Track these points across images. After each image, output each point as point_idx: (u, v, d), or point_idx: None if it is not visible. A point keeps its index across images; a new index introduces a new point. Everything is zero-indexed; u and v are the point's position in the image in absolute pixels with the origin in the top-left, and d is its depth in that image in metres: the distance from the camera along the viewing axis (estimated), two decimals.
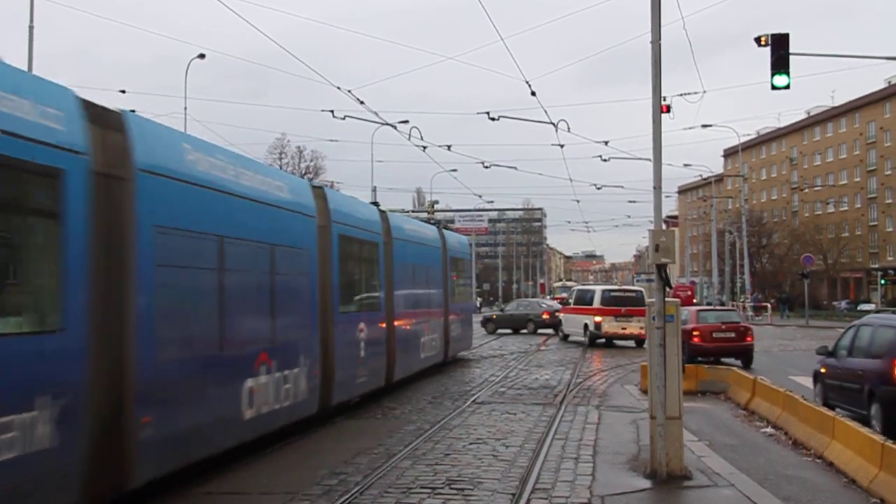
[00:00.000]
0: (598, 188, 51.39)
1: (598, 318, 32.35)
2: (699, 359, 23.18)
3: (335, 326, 14.57)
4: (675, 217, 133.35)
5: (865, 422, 12.49)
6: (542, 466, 10.80)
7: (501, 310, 47.01)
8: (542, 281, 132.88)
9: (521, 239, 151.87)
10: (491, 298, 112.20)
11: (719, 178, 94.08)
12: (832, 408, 13.99)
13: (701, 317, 25.85)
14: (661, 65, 11.05)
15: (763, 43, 21.85)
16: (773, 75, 22.06)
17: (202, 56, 41.43)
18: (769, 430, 13.81)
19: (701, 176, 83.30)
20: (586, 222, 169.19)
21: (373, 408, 16.41)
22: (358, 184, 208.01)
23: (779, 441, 12.93)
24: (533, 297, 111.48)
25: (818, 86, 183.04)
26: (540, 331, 42.06)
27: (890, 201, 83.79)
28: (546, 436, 13.02)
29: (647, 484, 10.09)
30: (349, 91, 27.27)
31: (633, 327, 31.99)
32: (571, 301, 37.24)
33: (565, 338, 36.77)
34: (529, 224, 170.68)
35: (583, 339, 33.73)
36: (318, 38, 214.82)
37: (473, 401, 17.27)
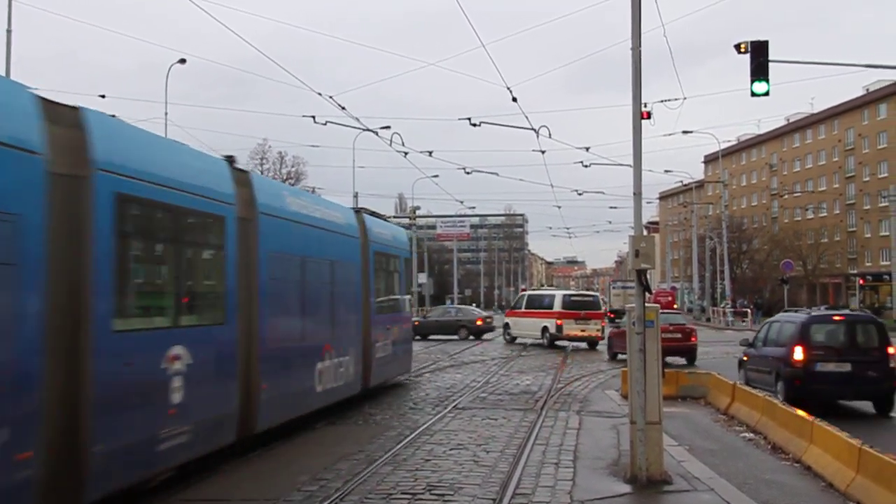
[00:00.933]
0: (580, 194, 51.58)
1: (559, 321, 34.44)
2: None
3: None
4: (656, 223, 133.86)
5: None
6: (522, 472, 10.81)
7: (425, 316, 45.24)
8: (523, 286, 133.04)
9: (503, 245, 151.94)
10: (474, 304, 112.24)
11: (700, 184, 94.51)
12: (752, 387, 17.14)
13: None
14: (641, 71, 11.11)
15: (742, 50, 21.99)
16: (752, 82, 22.19)
17: (183, 61, 41.37)
18: (748, 434, 13.88)
19: (682, 182, 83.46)
20: (568, 228, 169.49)
21: (354, 414, 16.39)
22: (340, 189, 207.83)
23: (758, 445, 13.00)
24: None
25: (797, 93, 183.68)
26: (472, 337, 41.89)
27: (868, 207, 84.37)
28: (527, 441, 13.03)
29: (627, 489, 10.13)
30: (330, 97, 27.25)
31: (591, 329, 34.79)
32: (521, 305, 38.63)
33: (512, 340, 38.23)
34: (511, 230, 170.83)
35: (539, 340, 35.75)
36: (302, 45, 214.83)
37: (455, 406, 17.28)
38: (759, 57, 22.07)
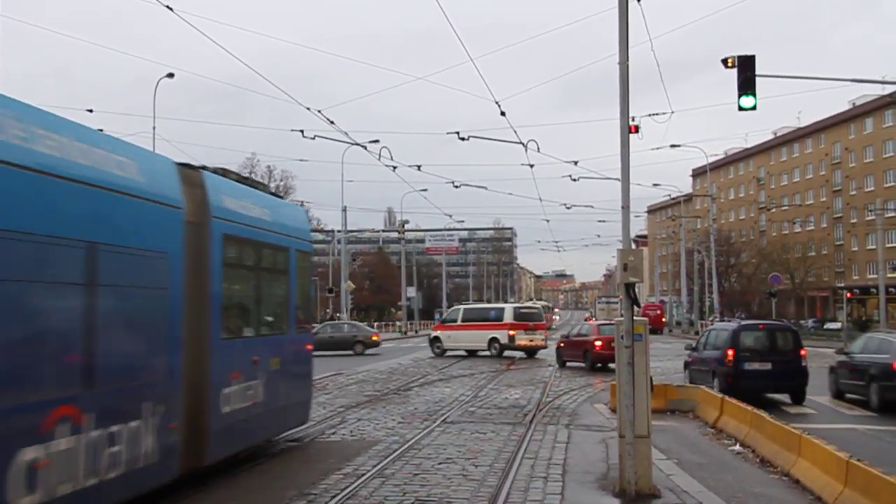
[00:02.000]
0: (568, 208, 51.69)
1: (511, 332, 37.07)
2: (598, 364, 30.25)
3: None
4: (645, 237, 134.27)
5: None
6: (511, 486, 10.78)
7: (315, 333, 44.99)
8: (512, 300, 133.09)
9: (492, 258, 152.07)
10: None
11: (688, 198, 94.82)
12: (696, 384, 20.65)
13: (601, 329, 31.40)
14: (629, 85, 11.15)
15: (730, 65, 22.09)
16: (739, 96, 22.28)
17: (171, 75, 41.39)
18: (737, 447, 13.88)
19: (670, 195, 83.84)
20: (556, 242, 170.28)
21: (341, 428, 16.34)
22: (329, 203, 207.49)
23: (746, 459, 13.00)
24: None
25: (784, 107, 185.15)
26: (368, 352, 42.12)
27: (855, 221, 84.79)
28: (515, 455, 13.00)
29: (615, 503, 10.11)
30: (319, 111, 27.27)
31: (537, 339, 38.44)
32: (457, 319, 39.78)
33: (443, 353, 39.31)
34: (500, 244, 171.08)
35: (484, 351, 37.91)
36: (292, 61, 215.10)
37: (443, 420, 17.24)
38: (746, 71, 22.18)
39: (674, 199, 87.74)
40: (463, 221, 70.12)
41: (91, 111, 39.99)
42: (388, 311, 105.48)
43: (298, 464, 12.73)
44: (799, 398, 20.55)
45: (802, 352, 20.92)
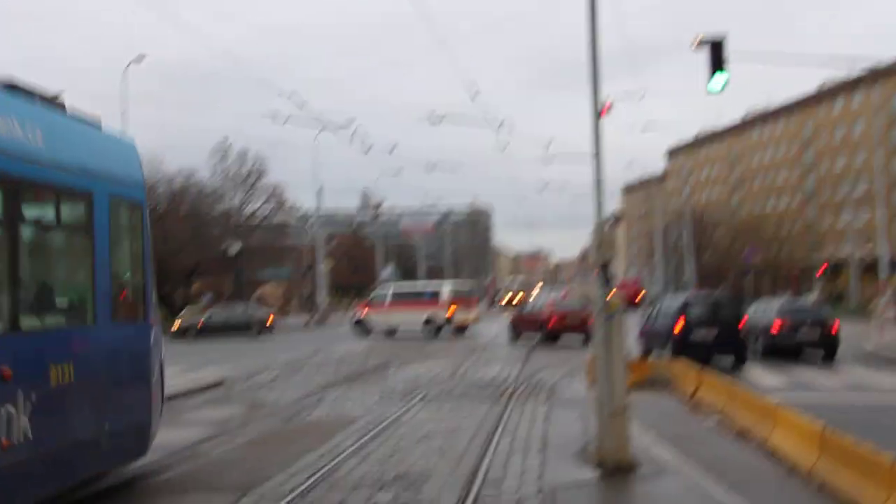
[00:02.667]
0: (543, 187, 51.78)
1: (449, 310, 38.38)
2: (553, 337, 32.66)
3: None
4: (621, 215, 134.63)
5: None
6: (491, 460, 10.81)
7: (210, 315, 43.69)
8: (487, 280, 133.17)
9: (468, 238, 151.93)
10: None
11: (663, 177, 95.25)
12: (650, 351, 24.46)
13: (557, 305, 34.91)
14: (599, 66, 11.14)
15: (699, 44, 22.10)
16: (710, 77, 22.33)
17: (140, 59, 40.94)
18: (714, 419, 13.97)
19: (644, 175, 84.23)
20: (532, 221, 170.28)
21: (319, 405, 16.34)
22: (304, 185, 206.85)
23: (723, 430, 13.09)
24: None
25: (756, 87, 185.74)
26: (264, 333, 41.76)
27: (826, 199, 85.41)
28: (495, 431, 13.03)
29: (595, 475, 10.16)
30: (290, 95, 27.16)
31: (472, 315, 40.62)
32: (386, 299, 40.31)
33: (368, 332, 39.59)
34: (476, 222, 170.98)
35: (418, 329, 38.49)
36: (265, 45, 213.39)
37: (422, 397, 17.26)
38: (716, 53, 22.22)
39: (648, 178, 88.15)
40: (439, 202, 70.01)
41: (56, 97, 39.61)
42: (367, 291, 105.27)
43: (277, 442, 12.71)
44: (741, 360, 23.04)
45: (743, 320, 24.00)
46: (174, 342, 37.29)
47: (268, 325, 42.67)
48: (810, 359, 24.09)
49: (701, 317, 23.60)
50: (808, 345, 24.67)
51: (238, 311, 43.38)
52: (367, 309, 40.90)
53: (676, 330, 23.14)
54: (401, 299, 39.78)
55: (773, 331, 24.62)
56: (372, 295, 43.25)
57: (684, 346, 22.36)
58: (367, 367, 24.33)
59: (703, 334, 23.04)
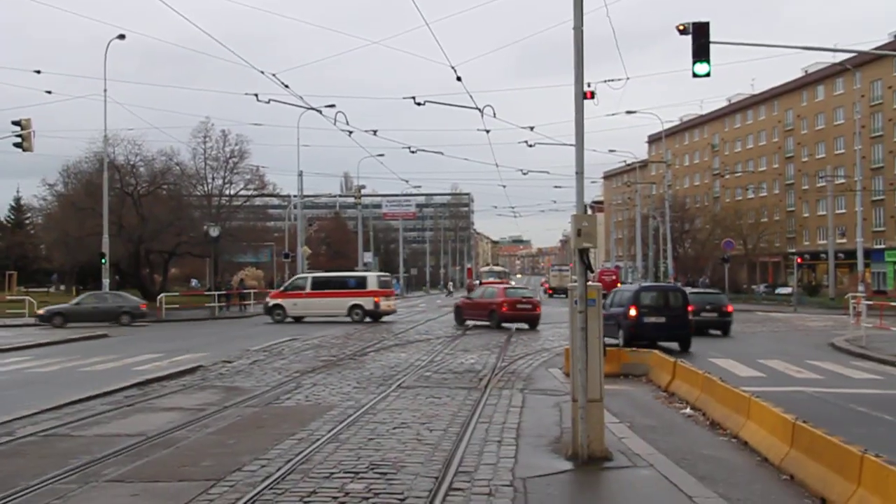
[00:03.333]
0: (525, 173, 52.05)
1: (377, 299, 39.86)
2: (504, 323, 34.36)
3: None
4: (601, 202, 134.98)
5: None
6: (465, 450, 10.85)
7: (78, 303, 41.60)
8: (469, 266, 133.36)
9: (449, 224, 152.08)
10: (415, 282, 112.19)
11: (644, 164, 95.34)
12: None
13: (508, 293, 36.68)
14: (583, 50, 11.13)
15: (683, 30, 22.17)
16: (694, 63, 22.43)
17: (122, 37, 40.67)
18: (688, 411, 14.07)
19: (625, 162, 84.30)
20: (513, 207, 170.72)
21: (296, 392, 16.33)
22: (285, 168, 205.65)
23: (697, 422, 13.19)
24: (460, 282, 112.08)
25: (739, 75, 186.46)
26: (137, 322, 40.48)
27: (806, 187, 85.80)
28: (470, 419, 13.08)
29: (568, 465, 10.21)
30: (273, 75, 27.05)
31: (392, 304, 42.15)
32: (306, 287, 41.12)
33: (282, 319, 40.15)
34: (457, 209, 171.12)
35: (346, 318, 39.66)
36: (248, 24, 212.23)
37: (399, 385, 17.28)
38: (700, 38, 22.31)
39: (629, 165, 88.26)
40: (420, 187, 70.09)
41: (39, 72, 39.29)
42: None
43: (253, 428, 12.70)
44: (685, 345, 25.06)
45: (689, 308, 26.08)
46: (41, 328, 36.93)
47: (142, 308, 40.94)
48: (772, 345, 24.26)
49: (652, 305, 25.79)
50: (707, 325, 30.00)
51: (108, 299, 42.00)
52: (282, 295, 41.55)
53: (630, 317, 25.04)
54: (323, 287, 41.15)
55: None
56: (289, 282, 43.65)
57: (637, 332, 24.86)
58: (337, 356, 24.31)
59: (654, 321, 25.21)
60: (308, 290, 40.85)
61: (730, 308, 31.80)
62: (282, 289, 43.26)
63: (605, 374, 11.10)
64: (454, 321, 37.77)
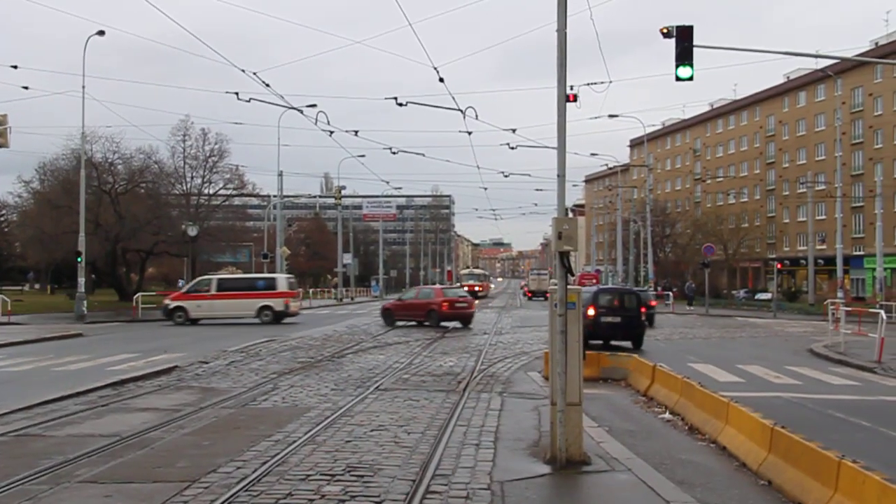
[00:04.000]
0: (506, 176, 52.14)
1: (287, 300, 40.41)
2: (443, 322, 36.62)
3: None
4: (582, 206, 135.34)
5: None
6: (443, 453, 10.84)
7: None
8: (449, 268, 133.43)
9: (429, 226, 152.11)
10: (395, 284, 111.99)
11: (625, 168, 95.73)
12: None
13: (446, 293, 39.03)
14: (566, 53, 11.14)
15: (666, 33, 22.22)
16: (677, 66, 22.46)
17: (101, 33, 40.41)
18: (667, 415, 14.11)
19: (607, 165, 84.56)
20: (494, 210, 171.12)
21: (273, 393, 16.28)
22: (265, 167, 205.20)
23: (676, 427, 13.23)
24: (441, 283, 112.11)
25: (721, 80, 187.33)
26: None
27: (787, 193, 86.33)
28: (448, 422, 13.07)
29: (546, 469, 10.22)
30: (254, 73, 26.98)
31: (297, 306, 43.18)
32: (211, 288, 40.84)
33: (184, 322, 39.52)
34: (437, 211, 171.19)
35: (254, 319, 39.77)
36: (230, 22, 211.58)
37: (377, 387, 17.26)
38: (683, 41, 22.36)
39: (611, 169, 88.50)
40: (401, 188, 70.10)
41: (16, 67, 39.04)
42: (325, 278, 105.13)
43: (228, 430, 12.65)
44: (638, 344, 26.93)
45: (643, 309, 28.37)
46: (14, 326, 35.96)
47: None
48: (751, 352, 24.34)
49: (608, 306, 27.22)
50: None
51: None
52: (184, 297, 40.90)
53: (588, 316, 25.29)
54: (230, 289, 41.10)
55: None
56: (192, 283, 43.06)
57: (594, 331, 25.90)
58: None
59: (610, 321, 26.69)
60: (214, 291, 40.51)
61: (653, 302, 32.93)
62: (184, 290, 42.40)
63: (584, 378, 11.12)
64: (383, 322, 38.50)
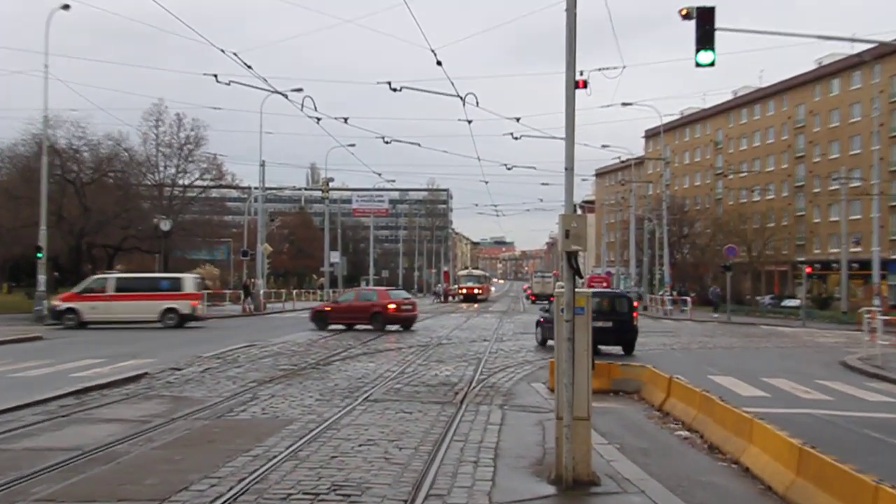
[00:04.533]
0: (509, 168, 52.29)
1: (194, 302, 41.10)
2: (389, 325, 38.62)
3: None
4: (592, 202, 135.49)
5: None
6: (437, 471, 10.80)
7: None
8: (445, 269, 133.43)
9: (425, 222, 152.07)
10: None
11: (640, 161, 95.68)
12: (546, 341, 29.65)
13: (392, 295, 41.38)
14: (576, 34, 11.10)
15: (685, 14, 22.20)
16: (697, 51, 22.47)
17: (66, 7, 40.29)
18: (684, 432, 14.08)
19: (620, 158, 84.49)
20: (495, 206, 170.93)
21: (252, 403, 16.24)
22: (246, 157, 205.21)
23: (694, 444, 13.19)
24: (439, 285, 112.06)
25: (746, 65, 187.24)
26: None
27: (818, 190, 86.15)
28: (444, 437, 13.05)
29: (551, 490, 10.18)
30: (235, 54, 26.94)
31: (204, 308, 44.01)
32: (108, 288, 40.54)
33: (77, 325, 38.92)
34: (434, 206, 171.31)
35: (157, 323, 39.89)
36: (216, 1, 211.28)
37: (366, 398, 17.23)
38: (704, 24, 22.35)
39: (624, 162, 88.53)
40: (394, 181, 70.05)
41: None
42: (310, 278, 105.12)
43: (202, 444, 12.60)
44: (629, 349, 28.23)
45: (635, 314, 29.29)
46: None
47: None
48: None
49: (599, 310, 26.49)
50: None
51: None
52: (76, 297, 40.26)
53: None
54: (129, 290, 41.00)
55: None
56: (87, 283, 42.33)
57: None
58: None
59: (601, 325, 25.54)
60: (111, 291, 40.22)
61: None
62: (76, 290, 41.43)
63: (593, 390, 11.08)
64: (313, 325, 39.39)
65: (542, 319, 31.61)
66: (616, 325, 27.90)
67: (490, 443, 12.80)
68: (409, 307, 40.63)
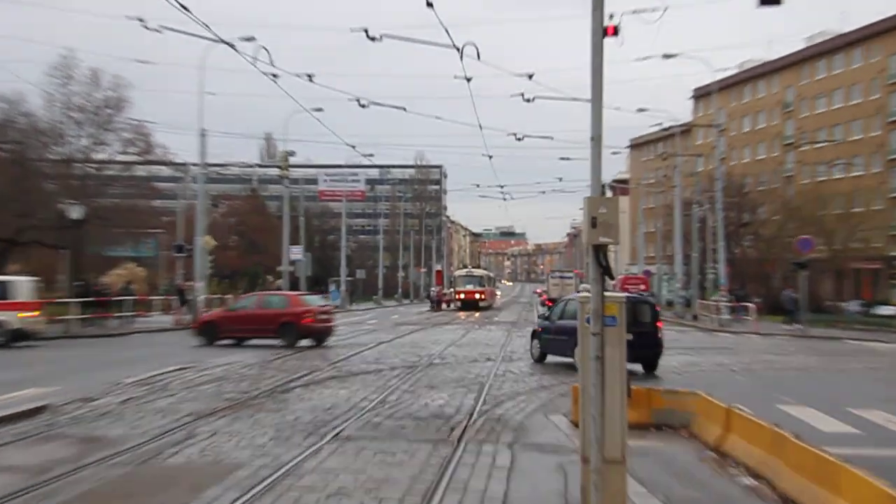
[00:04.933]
0: (519, 139, 51.87)
1: (22, 314, 39.52)
2: (302, 341, 39.06)
3: None
4: (626, 181, 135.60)
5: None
6: None
7: None
8: (438, 267, 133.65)
9: (412, 209, 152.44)
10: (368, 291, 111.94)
11: (686, 129, 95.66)
12: (545, 356, 31.54)
13: (306, 300, 42.13)
14: None
15: None
16: None
17: None
18: (748, 480, 14.00)
19: (661, 125, 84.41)
20: (501, 187, 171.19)
21: (187, 444, 16.13)
22: (182, 123, 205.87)
23: (761, 496, 13.11)
24: (433, 287, 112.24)
25: (824, 5, 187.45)
26: None
27: None
28: (436, 487, 12.98)
29: None
30: None
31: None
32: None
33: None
34: (423, 188, 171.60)
35: None
36: None
37: (336, 435, 17.14)
38: None
39: (666, 130, 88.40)
40: (372, 155, 69.68)
41: None
42: (264, 279, 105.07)
43: (119, 500, 12.47)
44: (652, 367, 29.42)
45: (659, 324, 30.39)
46: None
47: None
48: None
49: None
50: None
51: None
52: None
53: None
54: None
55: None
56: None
57: None
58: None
59: None
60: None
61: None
62: None
63: (629, 424, 10.99)
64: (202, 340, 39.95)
65: (539, 329, 32.57)
66: (636, 338, 27.13)
67: (496, 493, 12.74)
68: (326, 317, 41.41)
